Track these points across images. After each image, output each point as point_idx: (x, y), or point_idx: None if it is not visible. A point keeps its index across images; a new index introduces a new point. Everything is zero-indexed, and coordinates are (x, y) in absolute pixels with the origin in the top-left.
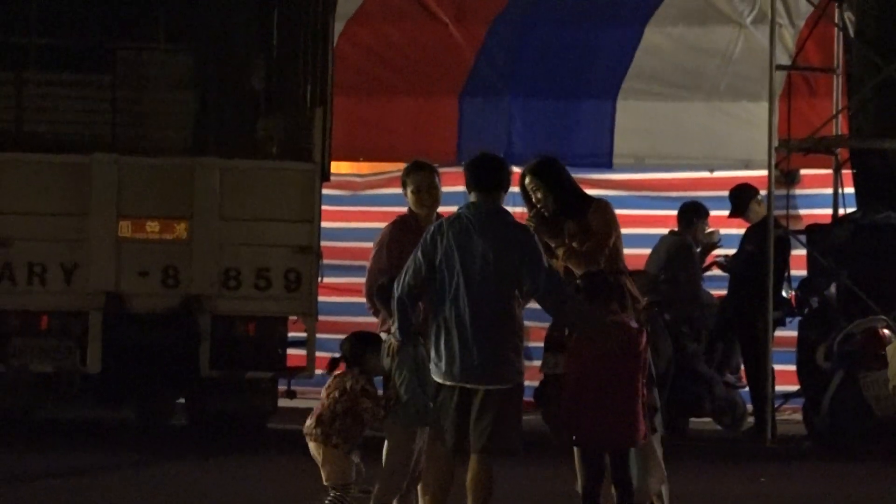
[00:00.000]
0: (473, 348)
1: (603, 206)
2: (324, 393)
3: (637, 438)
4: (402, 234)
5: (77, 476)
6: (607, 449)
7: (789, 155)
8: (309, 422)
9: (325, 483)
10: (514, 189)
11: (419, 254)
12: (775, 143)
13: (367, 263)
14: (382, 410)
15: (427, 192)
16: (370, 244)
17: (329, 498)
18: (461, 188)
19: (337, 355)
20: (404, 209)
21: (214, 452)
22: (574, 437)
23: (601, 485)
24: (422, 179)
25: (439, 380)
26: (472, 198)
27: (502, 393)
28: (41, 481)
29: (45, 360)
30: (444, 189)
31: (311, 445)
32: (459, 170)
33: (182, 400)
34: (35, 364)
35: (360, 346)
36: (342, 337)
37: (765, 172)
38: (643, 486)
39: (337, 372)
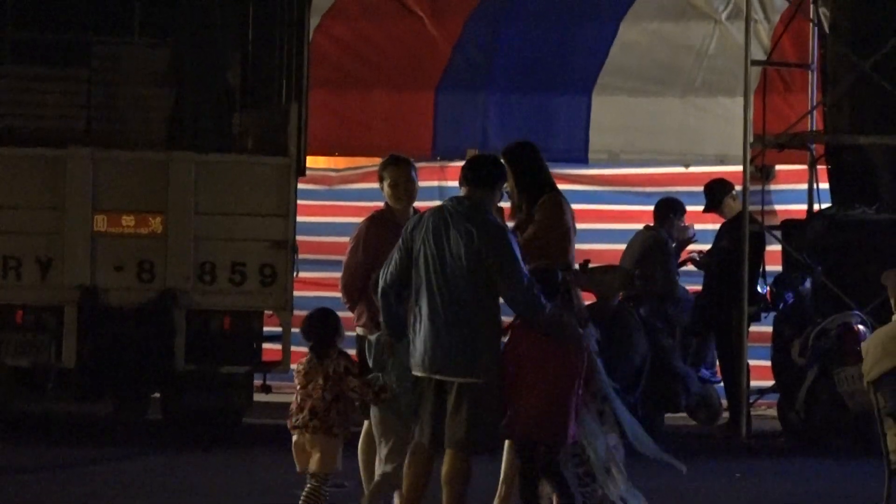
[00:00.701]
0: (446, 340)
1: (551, 200)
2: (302, 382)
3: (564, 437)
4: (378, 229)
5: (53, 470)
6: (536, 441)
7: (764, 150)
8: (301, 415)
9: (313, 471)
10: None
11: (400, 246)
12: (750, 138)
13: (342, 258)
14: (370, 390)
15: (404, 187)
16: (346, 239)
17: (308, 488)
18: (437, 183)
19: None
20: (380, 204)
21: (190, 447)
22: (505, 428)
23: (536, 481)
24: (399, 173)
25: (416, 371)
26: (462, 192)
27: (477, 387)
28: (16, 475)
29: (20, 355)
30: (420, 184)
31: (305, 438)
32: (435, 164)
33: (157, 394)
34: (10, 358)
35: (329, 326)
36: None
37: (740, 168)
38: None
39: (301, 361)
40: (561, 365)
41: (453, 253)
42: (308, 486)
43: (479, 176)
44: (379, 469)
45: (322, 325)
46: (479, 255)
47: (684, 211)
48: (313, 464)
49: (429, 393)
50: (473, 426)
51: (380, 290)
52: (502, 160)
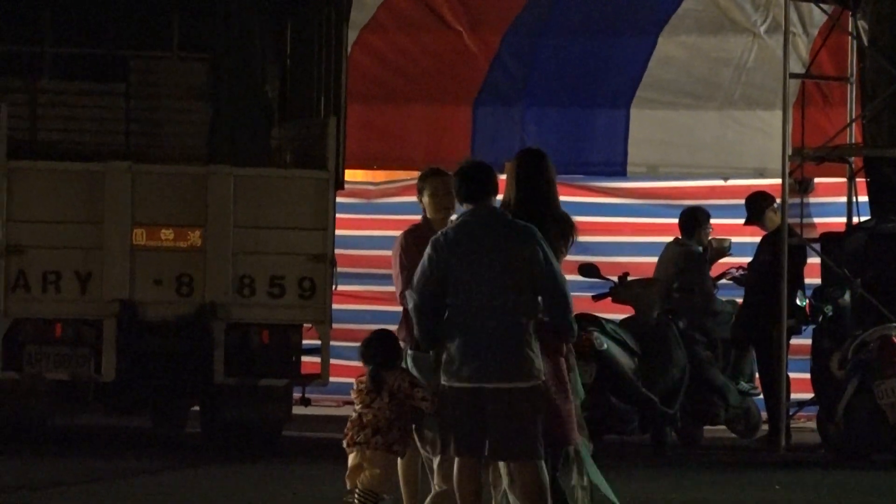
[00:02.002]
0: (492, 349)
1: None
2: (364, 400)
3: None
4: (416, 240)
5: (91, 483)
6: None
7: (803, 164)
8: (364, 432)
9: (366, 487)
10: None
11: (427, 262)
12: (789, 151)
13: (381, 270)
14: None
15: (444, 197)
16: (384, 252)
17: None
18: None
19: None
20: (418, 217)
21: (229, 460)
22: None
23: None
24: (439, 184)
25: (455, 383)
26: (465, 207)
27: (521, 391)
28: (56, 488)
29: (59, 368)
30: None
31: (365, 455)
32: None
33: (196, 408)
34: (49, 372)
35: (390, 346)
36: (356, 345)
37: (779, 181)
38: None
39: (361, 378)
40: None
41: (488, 261)
42: (359, 495)
43: (480, 191)
44: (436, 484)
45: (382, 349)
46: (515, 259)
47: (709, 217)
48: (367, 481)
49: (467, 405)
50: (535, 431)
51: (412, 306)
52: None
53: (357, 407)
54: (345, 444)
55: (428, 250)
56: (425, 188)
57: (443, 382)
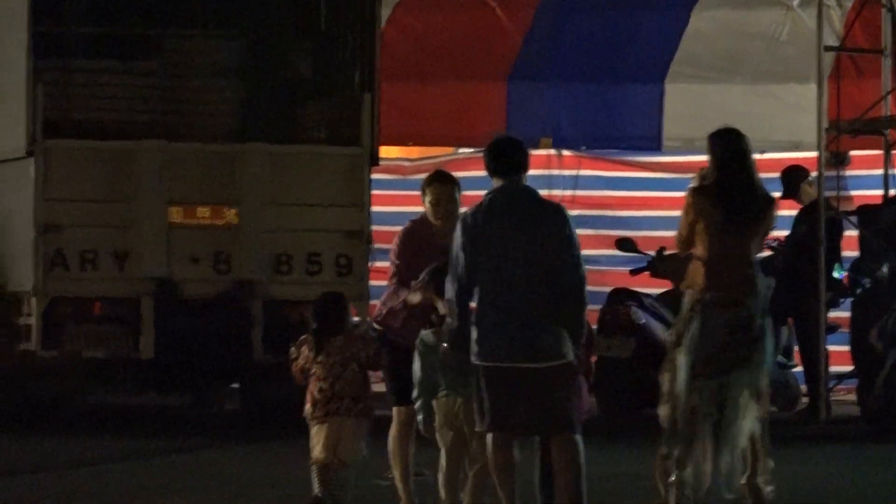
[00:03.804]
0: (527, 327)
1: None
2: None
3: None
4: (413, 242)
5: (131, 461)
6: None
7: (839, 136)
8: (343, 402)
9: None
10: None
11: (460, 248)
12: (825, 124)
13: None
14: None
15: (445, 206)
16: None
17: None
18: None
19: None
20: None
21: (267, 437)
22: None
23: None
24: (441, 192)
25: (488, 362)
26: (496, 182)
27: (565, 367)
28: (94, 466)
29: (98, 346)
30: None
31: (345, 424)
32: None
33: (235, 385)
34: (88, 350)
35: (336, 311)
36: None
37: (814, 154)
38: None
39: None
40: None
41: (520, 239)
42: (339, 474)
43: (512, 165)
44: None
45: (326, 313)
46: (543, 236)
47: None
48: (351, 453)
49: (503, 382)
50: (570, 406)
51: (455, 293)
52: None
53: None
54: (310, 417)
55: (459, 237)
56: (427, 193)
57: (474, 361)
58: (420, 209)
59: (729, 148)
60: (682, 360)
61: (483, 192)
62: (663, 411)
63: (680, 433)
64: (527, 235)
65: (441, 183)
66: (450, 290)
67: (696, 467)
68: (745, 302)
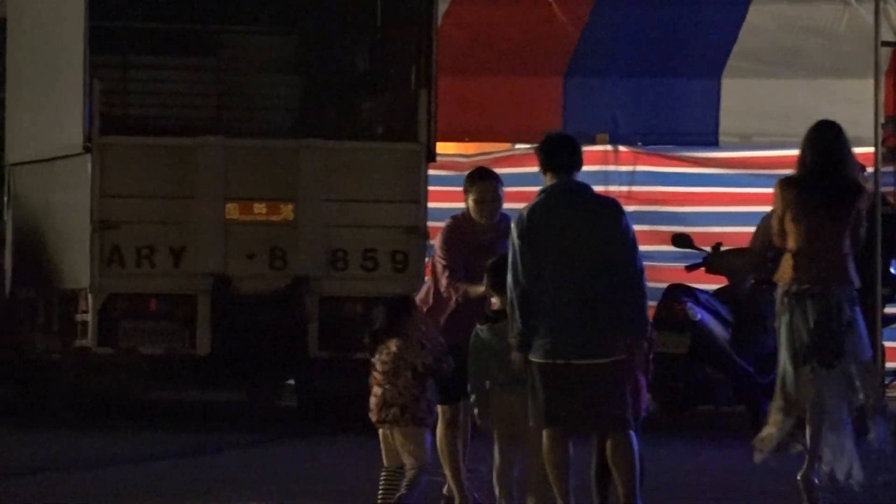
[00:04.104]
0: (585, 325)
1: None
2: (383, 377)
3: None
4: (455, 238)
5: (187, 457)
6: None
7: None
8: (391, 411)
9: (411, 469)
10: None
11: (517, 248)
12: (881, 120)
13: None
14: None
15: (490, 205)
16: None
17: (412, 476)
18: None
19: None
20: (511, 189)
21: (324, 433)
22: None
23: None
24: (485, 189)
25: (544, 360)
26: (549, 179)
27: (610, 366)
28: (151, 462)
29: (154, 343)
30: None
31: (395, 433)
32: None
33: (291, 381)
34: (144, 347)
35: (398, 313)
36: None
37: (871, 150)
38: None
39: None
40: None
41: (572, 236)
42: (409, 473)
43: (568, 161)
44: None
45: (390, 311)
46: (598, 233)
47: None
48: (409, 461)
49: (558, 379)
50: (623, 403)
51: (517, 294)
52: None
53: (378, 384)
54: (374, 420)
55: (514, 240)
56: (471, 192)
57: (531, 358)
58: None
59: (819, 139)
60: (781, 353)
61: (539, 189)
62: (773, 407)
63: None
64: (582, 231)
65: (484, 180)
66: (510, 290)
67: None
68: (833, 292)
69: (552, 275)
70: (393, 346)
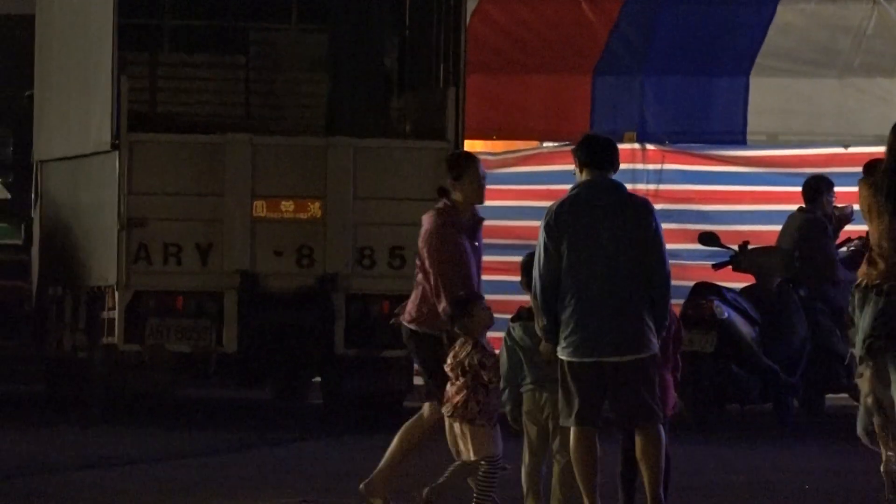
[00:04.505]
0: (615, 322)
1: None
2: (448, 372)
3: None
4: (449, 227)
5: (214, 455)
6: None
7: None
8: (448, 406)
9: (471, 459)
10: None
11: (543, 244)
12: None
13: (500, 241)
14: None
15: (484, 182)
16: (504, 222)
17: (483, 470)
18: None
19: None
20: (537, 187)
21: (350, 431)
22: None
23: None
24: (480, 170)
25: (574, 358)
26: (585, 175)
27: (639, 362)
28: (178, 460)
29: (181, 340)
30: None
31: (455, 426)
32: None
33: (318, 379)
34: (171, 344)
35: (460, 308)
36: None
37: None
38: None
39: (452, 351)
40: None
41: (610, 233)
42: (483, 467)
43: (606, 158)
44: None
45: (455, 306)
46: (629, 230)
47: (832, 186)
48: (467, 452)
49: (588, 376)
50: (654, 397)
51: (540, 287)
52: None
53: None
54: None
55: (542, 232)
56: (467, 175)
57: (561, 356)
58: (505, 202)
59: (892, 140)
60: (856, 349)
61: (567, 187)
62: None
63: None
64: (612, 228)
65: (475, 161)
66: (533, 283)
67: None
68: None
69: (581, 268)
70: (457, 345)
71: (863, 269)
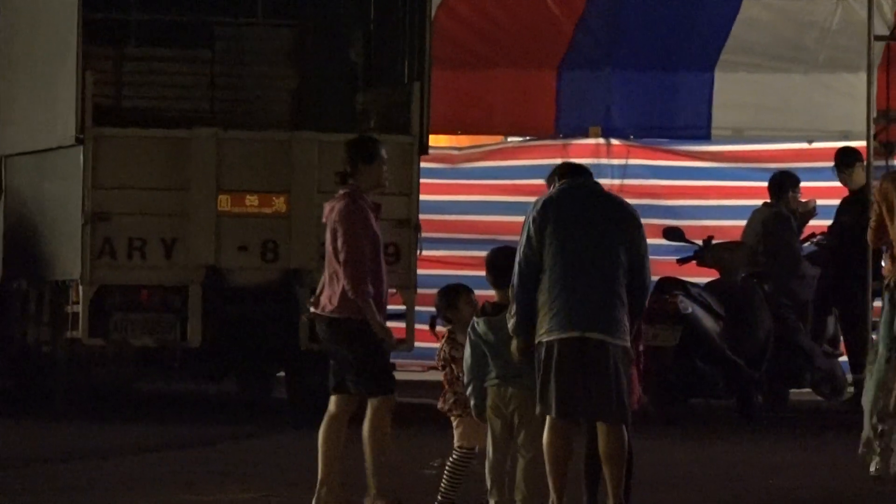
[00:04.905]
0: (591, 302)
1: None
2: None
3: None
4: (361, 210)
5: (177, 449)
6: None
7: (888, 126)
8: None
9: (457, 445)
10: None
11: (526, 236)
12: (874, 114)
13: (466, 235)
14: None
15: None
16: (468, 217)
17: (453, 458)
18: (560, 160)
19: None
20: (502, 182)
21: (315, 426)
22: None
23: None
24: (385, 154)
25: (560, 335)
26: (566, 181)
27: (618, 349)
28: (142, 455)
29: (145, 335)
30: (544, 162)
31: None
32: (558, 142)
33: (282, 373)
34: (135, 338)
35: (445, 299)
36: None
37: (863, 143)
38: None
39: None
40: None
41: (587, 223)
42: (455, 455)
43: (587, 171)
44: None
45: (444, 293)
46: (612, 226)
47: (798, 182)
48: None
49: (570, 356)
50: (622, 396)
51: (517, 279)
52: None
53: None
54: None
55: (527, 226)
56: (377, 159)
57: (544, 339)
58: (470, 197)
59: None
60: (879, 346)
61: (532, 182)
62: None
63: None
64: (597, 220)
65: (381, 146)
66: (515, 267)
67: None
68: None
69: (567, 255)
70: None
71: (888, 266)
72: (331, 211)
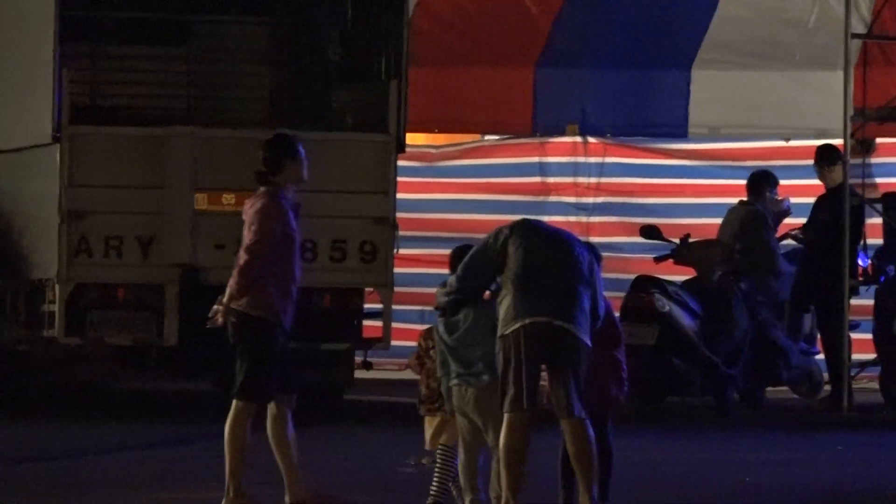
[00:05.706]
0: (555, 294)
1: None
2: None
3: None
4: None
5: (154, 448)
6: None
7: (865, 124)
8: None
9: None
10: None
11: (490, 238)
12: (851, 112)
13: (443, 233)
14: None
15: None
16: (446, 215)
17: (437, 458)
18: (536, 159)
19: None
20: (480, 180)
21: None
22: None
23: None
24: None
25: (517, 324)
26: None
27: (580, 342)
28: (118, 453)
29: (121, 333)
30: (521, 160)
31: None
32: (535, 140)
33: None
34: (112, 337)
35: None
36: (418, 308)
37: (840, 141)
38: None
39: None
40: None
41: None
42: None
43: None
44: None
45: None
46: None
47: (777, 182)
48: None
49: (534, 343)
50: (581, 392)
51: (462, 270)
52: None
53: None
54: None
55: (488, 237)
56: (298, 155)
57: (505, 332)
58: (447, 195)
59: None
60: None
61: (509, 180)
62: None
63: None
64: (563, 250)
65: (299, 142)
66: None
67: None
68: None
69: (536, 260)
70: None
71: None
72: (250, 207)
